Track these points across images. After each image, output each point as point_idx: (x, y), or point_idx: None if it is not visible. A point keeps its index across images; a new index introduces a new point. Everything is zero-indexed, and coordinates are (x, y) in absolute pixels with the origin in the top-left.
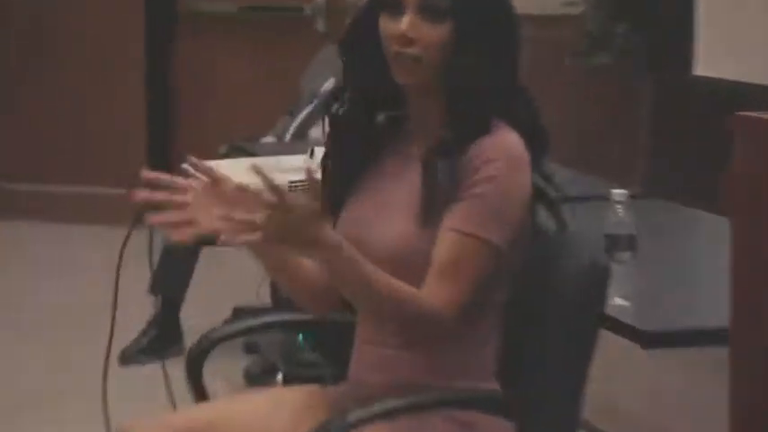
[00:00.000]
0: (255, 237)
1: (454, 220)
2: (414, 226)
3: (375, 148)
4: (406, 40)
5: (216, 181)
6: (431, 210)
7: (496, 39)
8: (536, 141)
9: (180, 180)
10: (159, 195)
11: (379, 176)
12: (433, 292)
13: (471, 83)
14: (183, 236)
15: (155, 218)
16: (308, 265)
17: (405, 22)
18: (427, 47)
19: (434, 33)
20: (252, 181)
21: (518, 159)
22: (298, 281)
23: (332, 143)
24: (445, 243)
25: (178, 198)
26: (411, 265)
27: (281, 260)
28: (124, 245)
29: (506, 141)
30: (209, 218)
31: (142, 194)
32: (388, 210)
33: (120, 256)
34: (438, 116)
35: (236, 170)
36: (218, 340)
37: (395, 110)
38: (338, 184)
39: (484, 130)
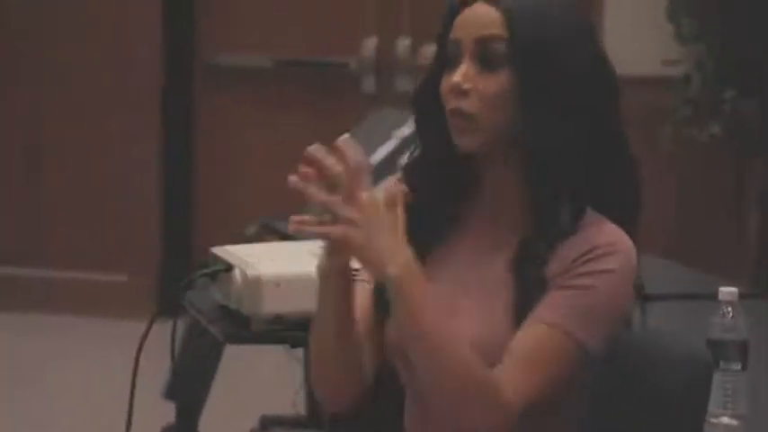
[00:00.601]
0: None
1: (551, 311)
2: (502, 323)
3: (444, 227)
4: (460, 93)
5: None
6: (524, 311)
7: (577, 93)
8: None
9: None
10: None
11: (453, 260)
12: (507, 376)
13: (544, 152)
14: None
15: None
16: (358, 333)
17: (458, 72)
18: (482, 101)
19: (490, 84)
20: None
21: (634, 261)
22: (345, 333)
23: None
24: (535, 335)
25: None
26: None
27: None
28: (143, 340)
29: (623, 236)
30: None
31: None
32: (469, 299)
33: (138, 355)
34: (515, 193)
35: (271, 255)
36: None
37: (468, 183)
38: None
39: (572, 227)
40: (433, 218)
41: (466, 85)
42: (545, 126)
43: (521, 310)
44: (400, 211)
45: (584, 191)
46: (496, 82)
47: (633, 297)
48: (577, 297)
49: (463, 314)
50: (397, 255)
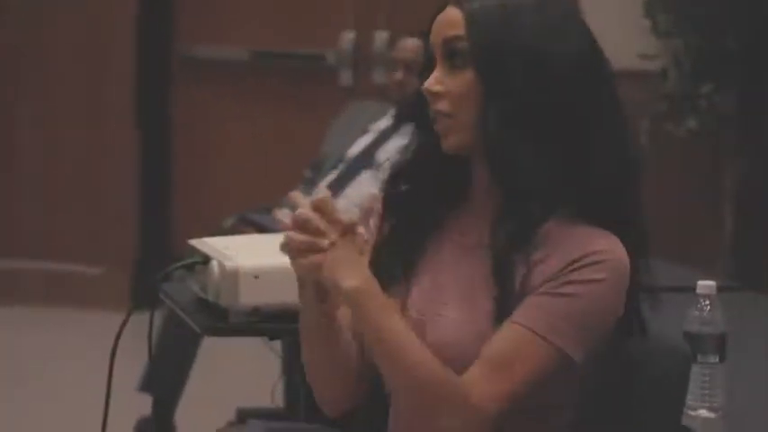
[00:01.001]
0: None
1: (528, 315)
2: (486, 325)
3: (433, 230)
4: (433, 96)
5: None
6: (507, 308)
7: (558, 92)
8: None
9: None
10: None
11: (439, 263)
12: (476, 378)
13: (503, 149)
14: None
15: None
16: (348, 339)
17: (431, 76)
18: (453, 100)
19: (457, 83)
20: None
21: (624, 270)
22: (332, 344)
23: (386, 220)
24: (510, 338)
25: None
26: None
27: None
28: (120, 332)
29: (614, 243)
30: None
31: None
32: (454, 303)
33: (114, 348)
34: (495, 194)
35: (248, 247)
36: None
37: (458, 187)
38: (387, 261)
39: (533, 225)
40: (422, 220)
41: (435, 88)
42: (503, 123)
43: (501, 314)
44: (361, 234)
45: (562, 194)
46: (462, 80)
47: (616, 316)
48: (558, 304)
49: (447, 316)
50: (354, 271)
